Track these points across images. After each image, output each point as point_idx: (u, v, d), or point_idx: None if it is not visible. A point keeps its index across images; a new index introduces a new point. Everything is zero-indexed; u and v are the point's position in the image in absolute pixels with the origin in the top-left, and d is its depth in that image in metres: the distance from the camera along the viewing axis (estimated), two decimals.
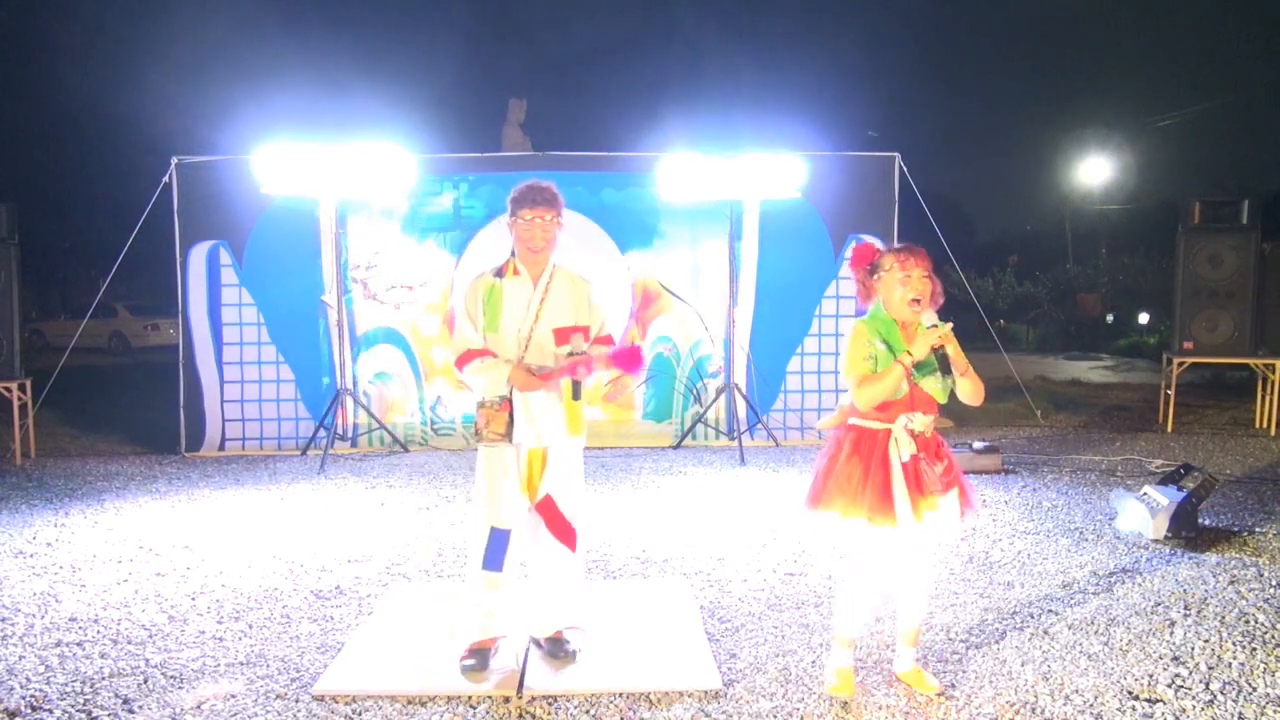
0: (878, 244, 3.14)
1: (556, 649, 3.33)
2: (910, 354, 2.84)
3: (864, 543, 2.95)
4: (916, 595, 3.06)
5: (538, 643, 3.39)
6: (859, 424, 2.96)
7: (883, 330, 2.93)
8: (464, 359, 3.23)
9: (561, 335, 3.25)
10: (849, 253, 3.10)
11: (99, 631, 3.70)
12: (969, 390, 2.93)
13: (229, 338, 7.83)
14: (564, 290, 3.30)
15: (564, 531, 3.32)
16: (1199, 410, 9.80)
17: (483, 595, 3.27)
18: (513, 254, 3.32)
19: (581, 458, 3.39)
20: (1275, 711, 2.94)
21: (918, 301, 2.88)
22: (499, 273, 3.30)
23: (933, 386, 2.92)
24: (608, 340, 3.41)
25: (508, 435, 3.18)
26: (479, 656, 3.24)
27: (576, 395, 3.27)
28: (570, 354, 3.23)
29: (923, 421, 2.92)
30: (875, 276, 2.98)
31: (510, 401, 3.19)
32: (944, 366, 2.84)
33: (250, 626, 3.76)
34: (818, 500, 2.99)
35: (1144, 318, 22.23)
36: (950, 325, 2.86)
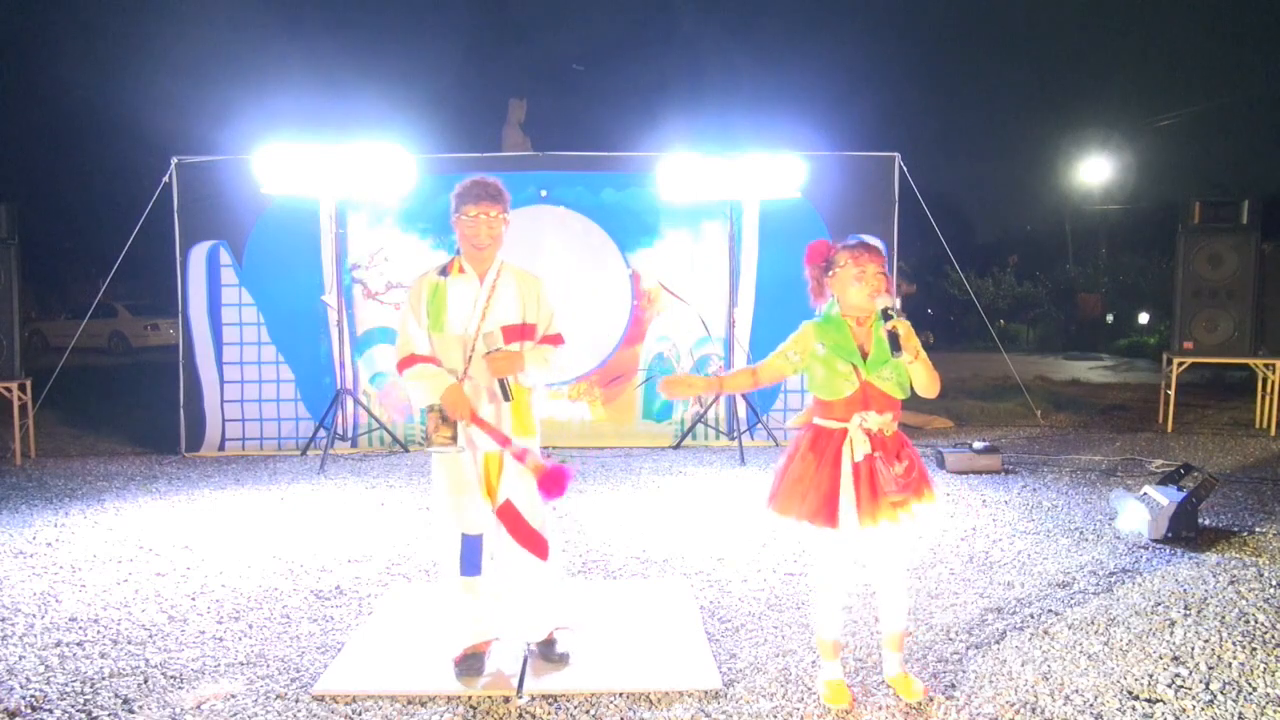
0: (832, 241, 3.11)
1: (549, 652, 3.31)
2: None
3: (823, 545, 2.95)
4: (894, 600, 3.04)
5: (530, 648, 3.35)
6: (819, 423, 2.97)
7: (832, 332, 2.93)
8: (406, 363, 3.15)
9: (510, 333, 3.17)
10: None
11: (99, 631, 3.70)
12: (924, 378, 2.89)
13: (229, 338, 7.83)
14: (512, 287, 3.22)
15: (531, 540, 3.22)
16: (1199, 410, 9.80)
17: (467, 601, 3.23)
18: (457, 252, 3.25)
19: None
20: (1275, 711, 2.94)
21: (874, 296, 2.87)
22: (443, 271, 3.22)
23: (886, 382, 2.90)
24: (556, 339, 3.29)
25: (456, 440, 3.09)
26: (472, 662, 3.22)
27: (507, 397, 3.15)
28: (489, 352, 3.12)
29: (878, 420, 2.89)
30: (830, 274, 2.97)
31: None
32: (894, 344, 2.79)
33: (250, 626, 3.76)
34: (772, 500, 3.01)
35: (1144, 318, 22.23)
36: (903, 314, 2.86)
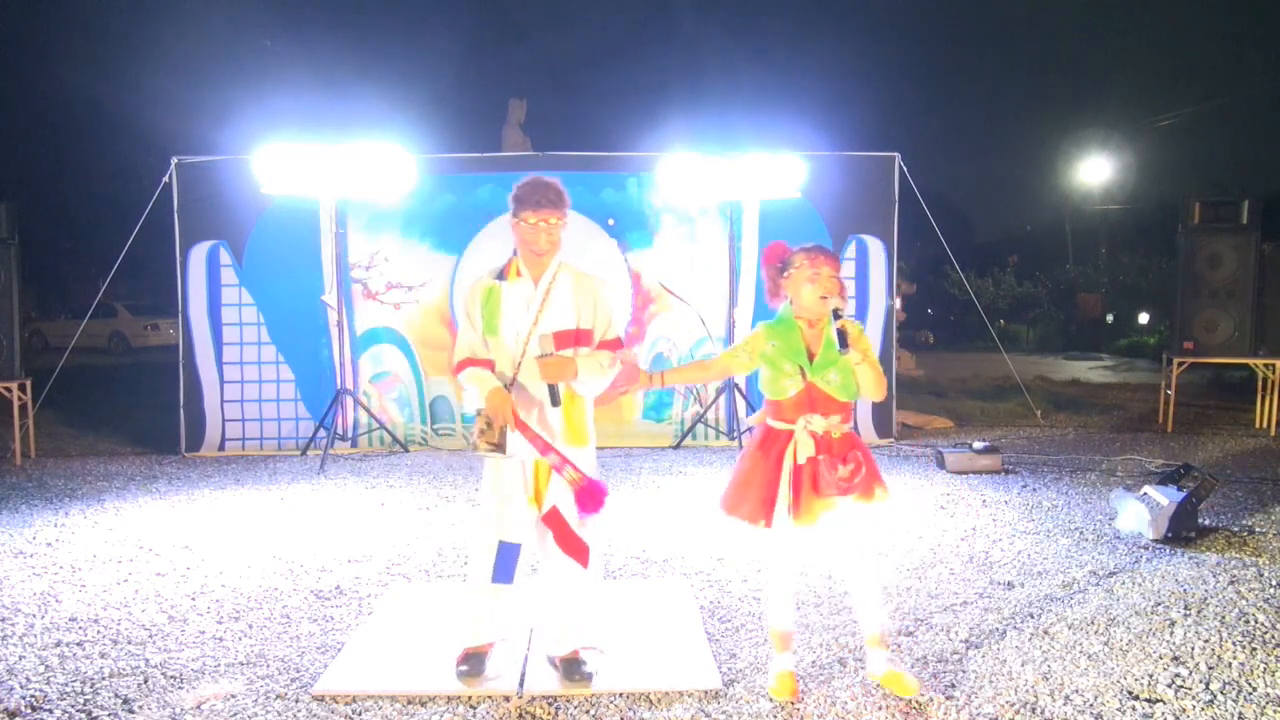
0: (788, 244, 3.14)
1: (572, 670, 3.16)
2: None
3: (772, 541, 3.00)
4: (867, 599, 3.06)
5: (553, 663, 3.25)
6: (769, 424, 3.01)
7: (783, 332, 2.98)
8: (461, 366, 3.14)
9: (562, 339, 3.09)
10: (762, 251, 3.15)
11: (99, 631, 3.70)
12: (870, 379, 2.93)
13: (229, 338, 7.83)
14: (567, 290, 3.13)
15: (574, 546, 3.16)
16: (1199, 410, 9.80)
17: (477, 601, 3.19)
18: (515, 253, 3.17)
19: (592, 468, 3.19)
20: (1275, 711, 2.94)
21: (825, 298, 2.91)
22: (500, 274, 3.16)
23: (831, 385, 2.93)
24: (615, 344, 3.20)
25: (501, 446, 3.05)
26: (474, 662, 3.18)
27: (555, 402, 3.10)
28: (540, 356, 3.07)
29: (822, 423, 2.93)
30: (785, 274, 3.01)
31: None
32: (842, 342, 2.84)
33: (250, 626, 3.76)
34: (722, 499, 3.09)
35: (1144, 318, 22.25)
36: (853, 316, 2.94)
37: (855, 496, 2.96)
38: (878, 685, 3.11)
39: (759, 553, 3.11)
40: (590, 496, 3.05)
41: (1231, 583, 4.15)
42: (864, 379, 2.93)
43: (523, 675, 3.21)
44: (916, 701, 3.00)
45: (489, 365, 3.13)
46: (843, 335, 2.84)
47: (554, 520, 3.15)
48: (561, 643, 3.22)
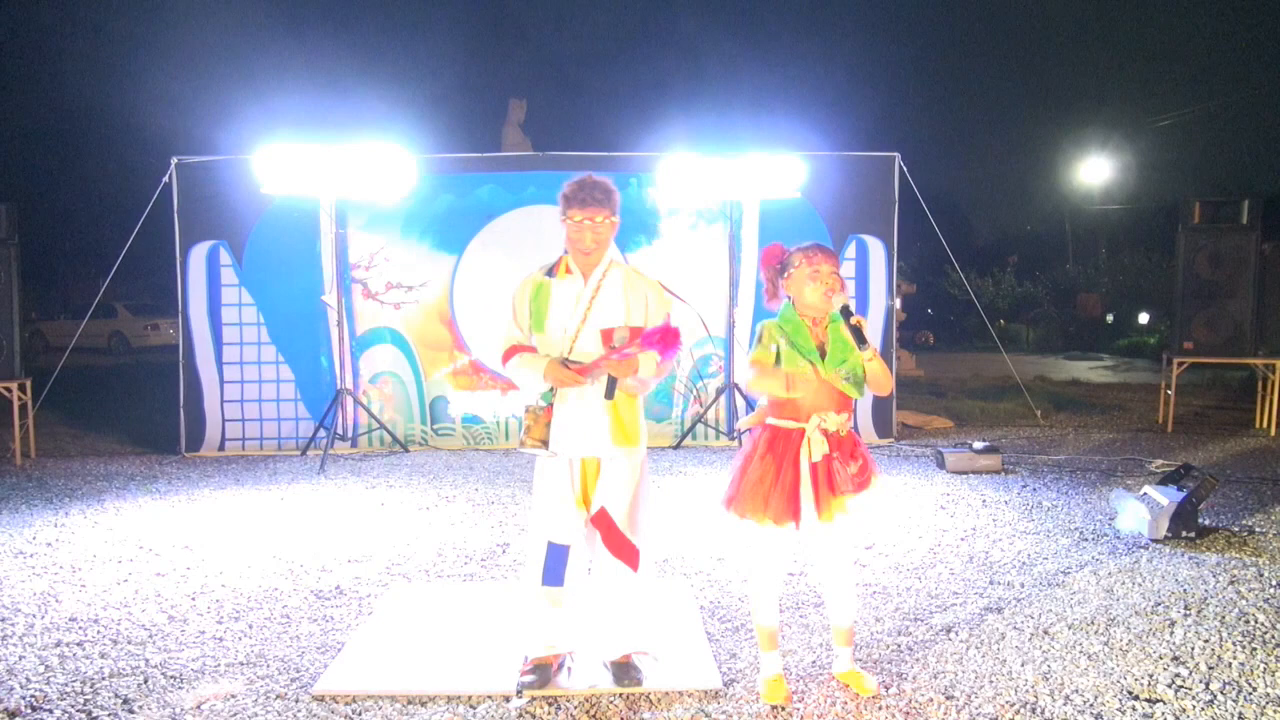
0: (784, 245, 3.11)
1: (623, 674, 3.13)
2: (817, 359, 2.91)
3: (767, 539, 2.98)
4: (841, 596, 3.07)
5: (606, 665, 3.21)
6: (774, 424, 2.97)
7: (790, 331, 2.94)
8: (508, 354, 3.13)
9: (609, 337, 3.06)
10: (760, 254, 3.10)
11: (99, 631, 3.70)
12: (881, 375, 2.92)
13: (229, 338, 7.83)
14: (618, 288, 3.10)
15: (623, 549, 3.09)
16: (1199, 410, 9.80)
17: (544, 611, 3.14)
18: (565, 252, 3.15)
19: (641, 469, 3.15)
20: (1275, 711, 2.93)
21: (832, 294, 2.89)
22: (550, 271, 3.16)
23: (843, 382, 2.92)
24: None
25: (546, 442, 3.02)
26: (541, 673, 3.12)
27: (609, 394, 3.01)
28: (608, 357, 3.03)
29: (835, 420, 2.92)
30: (785, 275, 2.99)
31: (553, 408, 3.05)
32: (859, 338, 2.84)
33: (250, 626, 3.76)
34: (731, 503, 3.02)
35: (1144, 318, 22.26)
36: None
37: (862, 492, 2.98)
38: (880, 684, 3.11)
39: (744, 551, 3.08)
40: (665, 338, 3.00)
41: (1231, 583, 4.15)
42: (875, 374, 2.92)
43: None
44: (916, 701, 3.00)
45: (533, 349, 3.13)
46: (858, 331, 2.84)
47: (602, 522, 3.10)
48: (613, 648, 3.19)
